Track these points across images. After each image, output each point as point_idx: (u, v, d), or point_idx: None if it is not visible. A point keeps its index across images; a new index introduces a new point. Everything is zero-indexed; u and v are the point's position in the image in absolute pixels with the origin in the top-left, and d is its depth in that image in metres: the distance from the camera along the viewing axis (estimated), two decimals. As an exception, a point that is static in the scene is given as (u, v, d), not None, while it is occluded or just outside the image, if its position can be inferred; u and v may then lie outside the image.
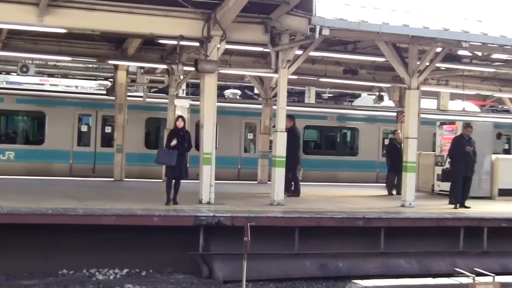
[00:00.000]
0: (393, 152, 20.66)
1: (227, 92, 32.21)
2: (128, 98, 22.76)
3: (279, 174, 16.12)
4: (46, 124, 23.74)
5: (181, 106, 24.71)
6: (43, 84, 29.57)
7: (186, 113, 24.04)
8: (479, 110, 33.04)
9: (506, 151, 28.99)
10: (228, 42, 16.09)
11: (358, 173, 26.42)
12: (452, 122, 21.18)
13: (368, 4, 14.99)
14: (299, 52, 16.35)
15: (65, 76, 32.47)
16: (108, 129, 24.14)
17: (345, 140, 28.74)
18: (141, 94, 25.04)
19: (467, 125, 18.14)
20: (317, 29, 13.73)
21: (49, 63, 28.80)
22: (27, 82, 28.69)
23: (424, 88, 21.95)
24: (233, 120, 25.18)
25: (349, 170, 26.54)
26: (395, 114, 24.69)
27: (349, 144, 28.57)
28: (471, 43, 15.40)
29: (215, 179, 15.95)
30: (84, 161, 23.65)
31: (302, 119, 25.71)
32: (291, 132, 17.55)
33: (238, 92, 32.83)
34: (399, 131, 21.60)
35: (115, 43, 20.75)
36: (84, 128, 24.38)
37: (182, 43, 16.68)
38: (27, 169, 22.62)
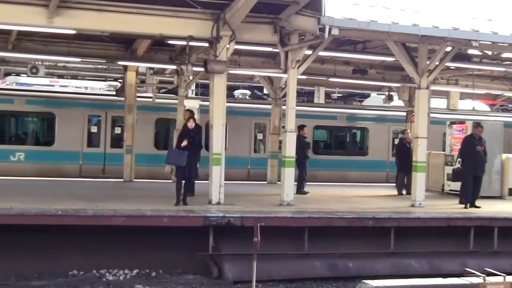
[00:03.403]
0: (403, 152, 20.61)
1: (237, 93, 32.20)
2: (138, 99, 22.79)
3: (289, 174, 16.11)
4: (56, 125, 23.79)
5: (191, 106, 24.69)
6: (52, 86, 29.61)
7: (196, 114, 24.00)
8: (489, 109, 32.89)
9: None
10: (238, 43, 16.09)
11: (368, 173, 26.36)
12: (462, 122, 21.11)
13: (377, 3, 14.98)
14: (309, 52, 16.34)
15: (74, 77, 32.56)
16: (117, 130, 24.16)
17: (355, 140, 28.69)
18: (150, 94, 25.06)
19: (478, 125, 18.07)
20: (327, 29, 13.72)
21: (58, 64, 28.89)
22: (37, 83, 28.74)
23: (434, 87, 21.91)
24: (242, 120, 25.15)
25: (359, 170, 26.49)
26: (405, 113, 24.62)
27: (359, 144, 28.51)
28: (481, 42, 15.36)
29: (225, 180, 15.94)
30: (94, 162, 23.66)
31: (312, 119, 25.72)
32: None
33: (248, 92, 32.81)
34: (408, 130, 21.54)
35: (125, 44, 20.80)
36: (94, 129, 24.40)
37: (191, 43, 16.67)
38: (37, 170, 22.67)
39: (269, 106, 23.57)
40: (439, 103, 28.94)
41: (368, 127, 27.54)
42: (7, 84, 29.55)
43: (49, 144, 23.88)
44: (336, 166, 26.21)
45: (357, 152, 27.80)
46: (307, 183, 19.75)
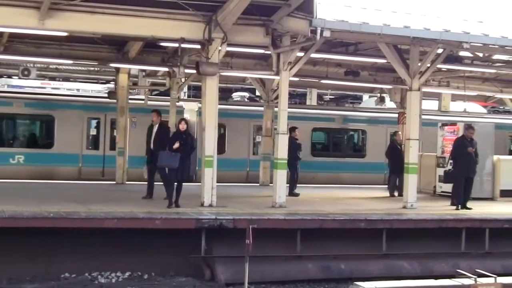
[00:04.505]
0: (395, 154, 20.67)
1: (235, 95, 32.14)
2: (137, 101, 22.71)
3: (281, 176, 16.12)
4: (55, 128, 23.78)
5: (190, 109, 24.68)
6: (44, 88, 29.55)
7: (195, 116, 24.01)
8: (485, 111, 32.87)
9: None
10: (229, 45, 16.11)
11: (366, 175, 26.31)
12: (453, 123, 21.17)
13: (369, 5, 15.02)
14: (300, 54, 16.36)
15: (66, 79, 32.50)
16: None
17: (353, 142, 28.74)
18: (142, 96, 25.02)
19: (469, 127, 18.13)
20: (318, 31, 13.74)
21: (50, 66, 28.84)
22: (29, 86, 28.68)
23: (425, 89, 21.94)
24: (241, 122, 25.11)
25: (357, 172, 26.47)
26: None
27: (356, 146, 28.55)
28: (472, 44, 15.41)
29: (224, 182, 15.93)
30: (93, 164, 23.59)
31: (310, 121, 25.78)
32: (162, 128, 16.95)
33: (246, 94, 32.73)
34: (400, 132, 21.59)
35: (117, 46, 20.77)
36: (93, 132, 24.37)
37: (183, 45, 16.70)
38: (37, 172, 22.66)
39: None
40: (431, 104, 28.97)
41: (366, 129, 27.55)
42: (-2, 86, 29.52)
43: (48, 147, 23.85)
44: (334, 168, 26.23)
45: (355, 154, 27.78)
46: (297, 184, 19.75)
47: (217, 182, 15.58)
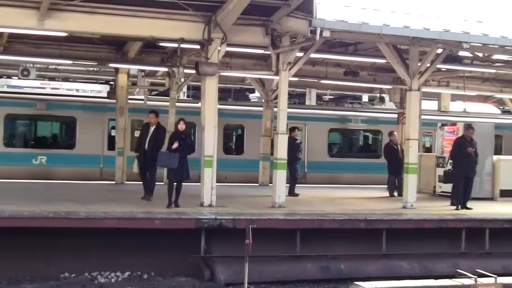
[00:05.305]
0: (391, 154, 20.68)
1: (252, 96, 32.02)
2: (155, 103, 22.92)
3: (281, 176, 16.12)
4: (77, 129, 23.83)
5: None
6: (44, 88, 29.49)
7: None
8: (499, 112, 32.71)
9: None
10: (229, 45, 16.10)
11: (382, 176, 26.25)
12: (453, 123, 21.17)
13: (368, 5, 15.01)
14: (300, 54, 16.37)
15: (66, 79, 32.46)
16: (136, 134, 23.92)
17: (369, 143, 28.72)
18: (142, 96, 24.97)
19: (469, 126, 18.13)
20: (318, 31, 13.74)
21: (50, 66, 28.82)
22: (30, 86, 28.61)
23: (425, 89, 21.94)
24: (260, 123, 25.07)
25: (373, 172, 26.41)
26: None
27: (372, 147, 28.52)
28: (471, 44, 15.41)
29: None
30: (114, 165, 23.57)
31: (327, 122, 26.16)
32: (159, 129, 16.86)
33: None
34: (395, 132, 21.56)
35: (116, 46, 20.77)
36: (113, 133, 24.36)
37: (182, 46, 16.69)
38: (59, 173, 22.73)
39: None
40: (431, 104, 28.92)
41: (382, 129, 27.49)
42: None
43: (70, 148, 23.91)
44: (351, 169, 26.23)
45: (371, 155, 27.71)
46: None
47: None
